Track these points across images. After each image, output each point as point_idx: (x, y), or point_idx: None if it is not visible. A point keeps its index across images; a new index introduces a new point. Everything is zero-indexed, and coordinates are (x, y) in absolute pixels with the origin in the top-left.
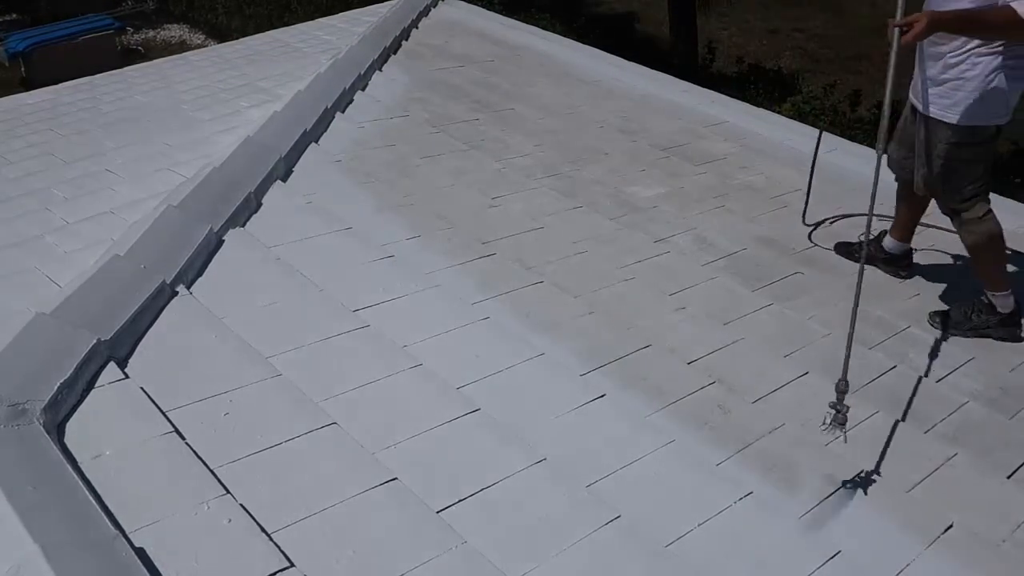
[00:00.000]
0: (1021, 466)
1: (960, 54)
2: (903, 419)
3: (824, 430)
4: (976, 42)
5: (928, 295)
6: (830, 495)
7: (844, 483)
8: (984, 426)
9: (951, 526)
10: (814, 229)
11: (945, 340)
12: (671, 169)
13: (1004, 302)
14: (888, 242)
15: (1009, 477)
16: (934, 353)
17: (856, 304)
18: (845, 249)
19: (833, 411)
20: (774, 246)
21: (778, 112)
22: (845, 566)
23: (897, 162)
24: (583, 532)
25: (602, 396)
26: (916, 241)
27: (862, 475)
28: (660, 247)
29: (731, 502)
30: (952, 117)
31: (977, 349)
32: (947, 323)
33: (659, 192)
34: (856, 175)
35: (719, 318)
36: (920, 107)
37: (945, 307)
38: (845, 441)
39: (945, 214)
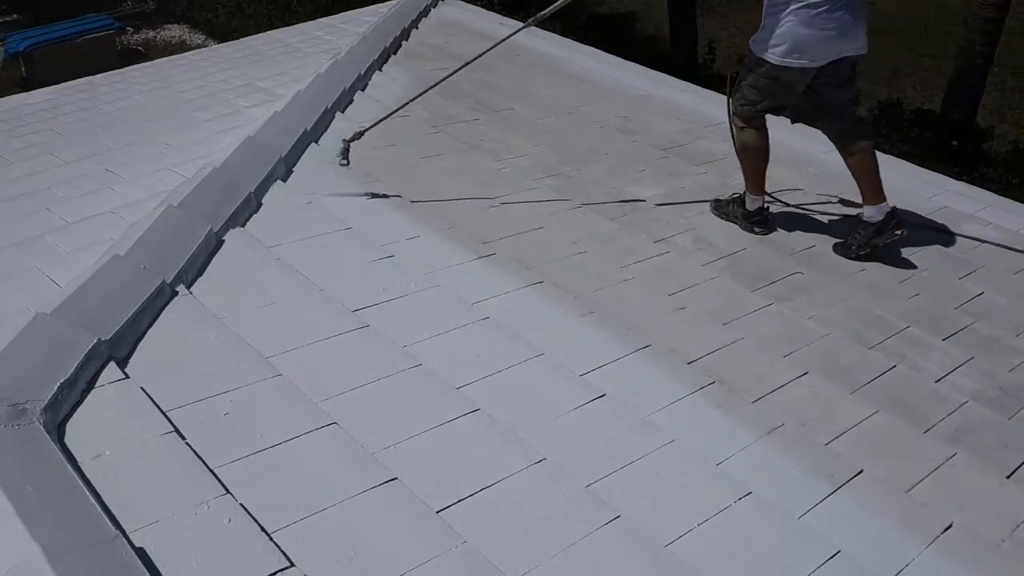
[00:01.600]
0: (1021, 466)
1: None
2: (903, 419)
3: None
4: None
5: (928, 295)
6: (830, 495)
7: (844, 483)
8: (984, 426)
9: (951, 526)
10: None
11: (945, 340)
12: (671, 169)
13: (751, 202)
14: (867, 211)
15: (1009, 477)
16: (934, 353)
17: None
18: (842, 249)
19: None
20: (774, 246)
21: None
22: (845, 566)
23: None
24: (583, 532)
25: (602, 396)
26: (916, 240)
27: (861, 475)
28: (660, 247)
29: (731, 502)
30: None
31: (977, 349)
32: (716, 206)
33: (659, 192)
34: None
35: (719, 318)
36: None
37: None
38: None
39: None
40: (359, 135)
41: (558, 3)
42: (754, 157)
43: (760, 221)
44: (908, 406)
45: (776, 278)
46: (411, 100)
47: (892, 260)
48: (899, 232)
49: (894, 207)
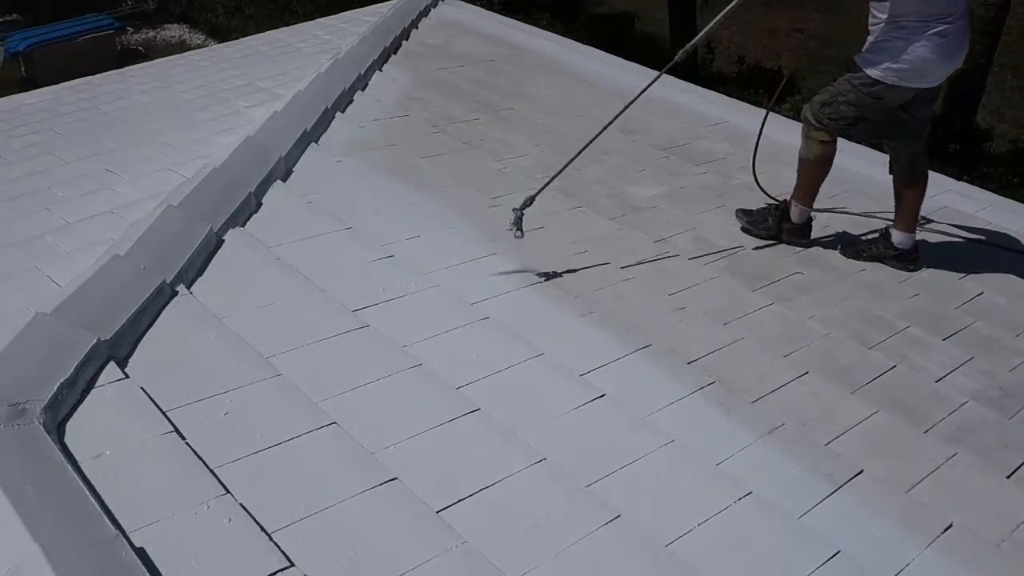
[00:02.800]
0: (1021, 466)
1: (876, 17)
2: (903, 419)
3: (508, 230)
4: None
5: (928, 295)
6: (830, 495)
7: (844, 483)
8: (984, 426)
9: (951, 526)
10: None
11: (945, 340)
12: (671, 169)
13: (799, 213)
14: (896, 236)
15: (1009, 477)
16: (934, 353)
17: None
18: (852, 251)
19: (514, 214)
20: (774, 246)
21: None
22: (845, 566)
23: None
24: (583, 532)
25: (602, 396)
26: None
27: (861, 475)
28: (660, 247)
29: (731, 502)
30: (862, 62)
31: (977, 349)
32: (749, 221)
33: (659, 192)
34: (854, 175)
35: (719, 318)
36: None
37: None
38: (520, 236)
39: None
40: (530, 200)
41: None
42: (823, 170)
43: (807, 233)
44: (908, 406)
45: (776, 278)
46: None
47: None
48: (913, 268)
49: (919, 241)
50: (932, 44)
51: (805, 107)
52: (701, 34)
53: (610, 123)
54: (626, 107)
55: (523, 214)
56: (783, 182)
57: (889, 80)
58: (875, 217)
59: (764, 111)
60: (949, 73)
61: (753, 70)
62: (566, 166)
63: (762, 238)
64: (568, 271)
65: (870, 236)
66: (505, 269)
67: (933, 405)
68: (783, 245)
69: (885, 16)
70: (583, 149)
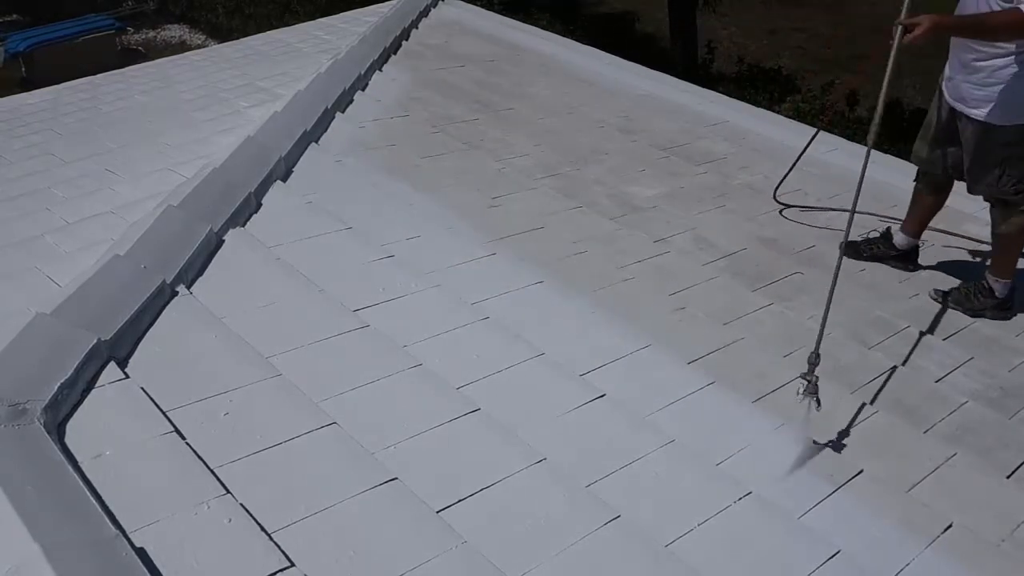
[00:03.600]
0: (1021, 466)
1: (1004, 59)
2: (903, 419)
3: (800, 400)
4: (1015, 48)
5: (928, 295)
6: (830, 495)
7: (844, 483)
8: (984, 426)
9: (951, 526)
10: (784, 208)
11: (945, 340)
12: (671, 169)
13: (1003, 288)
14: (899, 238)
15: (1009, 477)
16: (934, 353)
17: (832, 288)
18: (853, 250)
19: (805, 382)
20: (774, 246)
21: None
22: (845, 566)
23: (929, 160)
24: (583, 532)
25: (602, 396)
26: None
27: (861, 475)
28: (660, 247)
29: (731, 502)
30: (1006, 119)
31: (977, 349)
32: (949, 299)
33: (659, 192)
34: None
35: (719, 318)
36: (968, 111)
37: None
38: (819, 407)
39: (989, 201)
40: (817, 359)
41: None
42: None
43: (1012, 306)
44: (908, 406)
45: (776, 278)
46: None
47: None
48: (912, 268)
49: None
50: None
51: (984, 193)
52: (881, 96)
53: (781, 181)
54: (789, 170)
55: (817, 379)
56: (785, 181)
57: None
58: (876, 216)
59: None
60: None
61: (753, 70)
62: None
63: (970, 315)
64: (568, 271)
65: (871, 235)
66: (505, 269)
67: (933, 405)
68: (782, 245)
69: (1009, 59)
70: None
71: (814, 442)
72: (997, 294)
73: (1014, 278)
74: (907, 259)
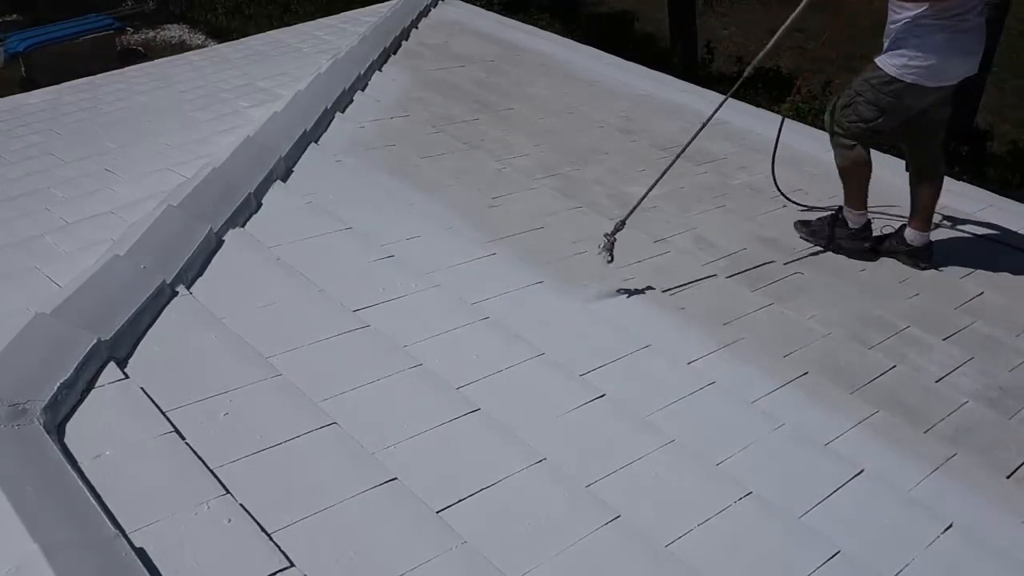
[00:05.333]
0: (1021, 466)
1: (903, 23)
2: (903, 419)
3: (597, 253)
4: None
5: (928, 295)
6: (829, 495)
7: (843, 483)
8: (984, 426)
9: (951, 526)
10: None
11: (945, 340)
12: (671, 169)
13: (857, 219)
14: (911, 234)
15: (1009, 477)
16: (934, 353)
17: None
18: (874, 243)
19: (605, 239)
20: (774, 246)
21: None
22: (845, 566)
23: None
24: (583, 532)
25: (602, 396)
26: None
27: (861, 475)
28: (660, 247)
29: (731, 502)
30: (883, 63)
31: (977, 349)
32: (809, 232)
33: (659, 192)
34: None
35: (719, 318)
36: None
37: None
38: (610, 261)
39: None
40: (621, 225)
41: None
42: (863, 173)
43: (868, 236)
44: (908, 406)
45: (776, 278)
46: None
47: (892, 260)
48: (924, 265)
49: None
50: (951, 42)
51: (826, 116)
52: (769, 45)
53: (683, 151)
54: (696, 133)
55: (615, 239)
56: (785, 181)
57: (907, 78)
58: (887, 215)
59: (766, 112)
60: (968, 73)
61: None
62: (651, 188)
63: (822, 247)
64: (568, 271)
65: (884, 231)
66: (505, 269)
67: (933, 405)
68: (783, 245)
69: (903, 15)
70: (661, 176)
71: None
72: (851, 224)
73: (866, 209)
74: (919, 255)
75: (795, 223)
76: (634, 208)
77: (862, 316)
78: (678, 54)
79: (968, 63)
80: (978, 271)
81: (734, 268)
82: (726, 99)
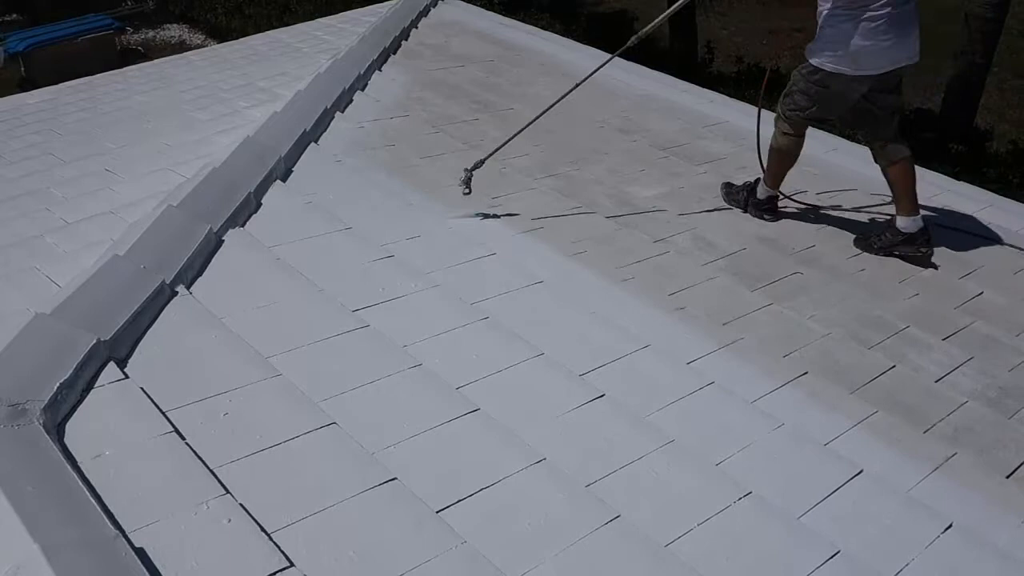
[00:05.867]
0: (1021, 466)
1: (826, 13)
2: (903, 419)
3: (458, 185)
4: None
5: (928, 295)
6: (829, 495)
7: (843, 483)
8: (984, 426)
9: (951, 526)
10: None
11: (945, 340)
12: (671, 169)
13: (763, 191)
14: (900, 222)
15: (1009, 477)
16: (934, 353)
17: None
18: (863, 243)
19: (465, 172)
20: (774, 246)
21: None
22: (845, 566)
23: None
24: (583, 532)
25: (602, 396)
26: None
27: (861, 475)
28: (660, 247)
29: (731, 502)
30: (810, 54)
31: (977, 349)
32: (727, 191)
33: (659, 192)
34: (856, 174)
35: (718, 318)
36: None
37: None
38: (467, 193)
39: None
40: (480, 163)
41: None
42: (785, 160)
43: (770, 210)
44: (908, 406)
45: (776, 278)
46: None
47: (892, 260)
48: (925, 250)
49: (925, 225)
50: (864, 31)
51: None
52: (659, 19)
53: (557, 102)
54: (575, 87)
55: (472, 175)
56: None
57: (827, 67)
58: (876, 213)
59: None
60: (896, 63)
61: (753, 70)
62: (517, 134)
63: (734, 206)
64: (568, 271)
65: (878, 228)
66: (505, 269)
67: (933, 405)
68: (782, 245)
69: (823, 7)
70: (531, 123)
71: None
72: (759, 195)
73: (777, 189)
74: (916, 241)
75: (721, 184)
76: (497, 150)
77: (862, 316)
78: (677, 54)
79: (890, 53)
80: (978, 271)
81: (734, 268)
82: (612, 58)
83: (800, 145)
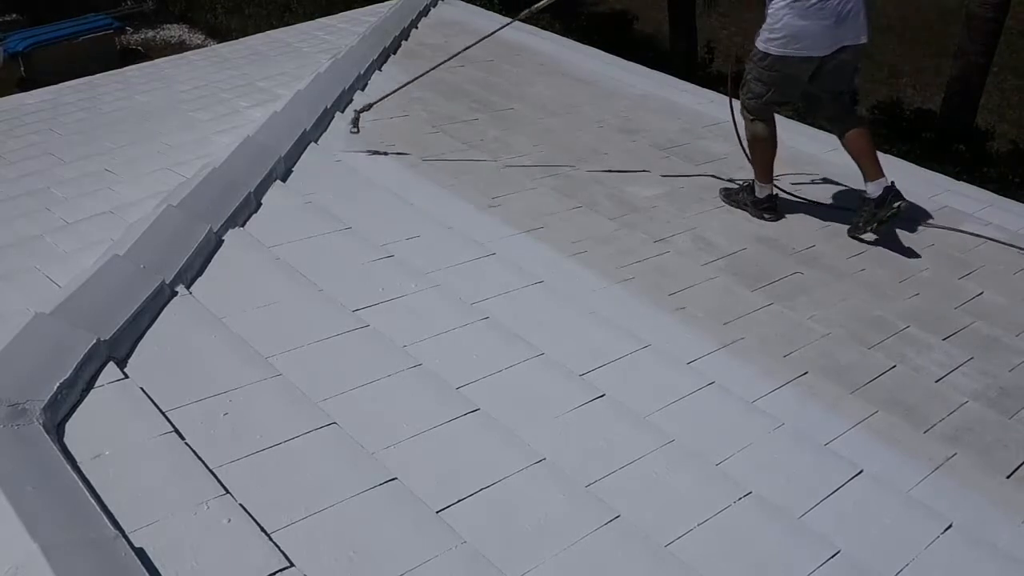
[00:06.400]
0: (1021, 466)
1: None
2: (903, 419)
3: (347, 126)
4: None
5: (928, 295)
6: (829, 495)
7: (843, 483)
8: (984, 426)
9: (951, 526)
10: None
11: (945, 340)
12: (671, 169)
13: (761, 190)
14: (870, 188)
15: (1009, 477)
16: (934, 353)
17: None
18: (852, 231)
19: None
20: (774, 246)
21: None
22: (845, 566)
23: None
24: (583, 532)
25: (602, 396)
26: (916, 240)
27: (861, 475)
28: (660, 247)
29: (731, 502)
30: (759, 42)
31: (977, 349)
32: (726, 195)
33: (659, 192)
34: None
35: (719, 318)
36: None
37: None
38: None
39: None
40: (368, 107)
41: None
42: (763, 147)
43: (770, 208)
44: (908, 406)
45: (776, 278)
46: (410, 81)
47: (892, 260)
48: (898, 204)
49: (892, 182)
50: (796, 10)
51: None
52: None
53: (448, 60)
54: (468, 47)
55: (360, 116)
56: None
57: (773, 51)
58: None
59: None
60: (838, 42)
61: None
62: (424, 75)
63: (736, 207)
64: (568, 271)
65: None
66: (505, 269)
67: (933, 405)
68: (782, 245)
69: None
70: (444, 61)
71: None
72: (756, 194)
73: (770, 182)
74: (889, 200)
75: (719, 190)
76: (389, 93)
77: (862, 316)
78: (677, 54)
79: (836, 33)
80: (978, 271)
81: (734, 268)
82: (513, 20)
83: (772, 130)
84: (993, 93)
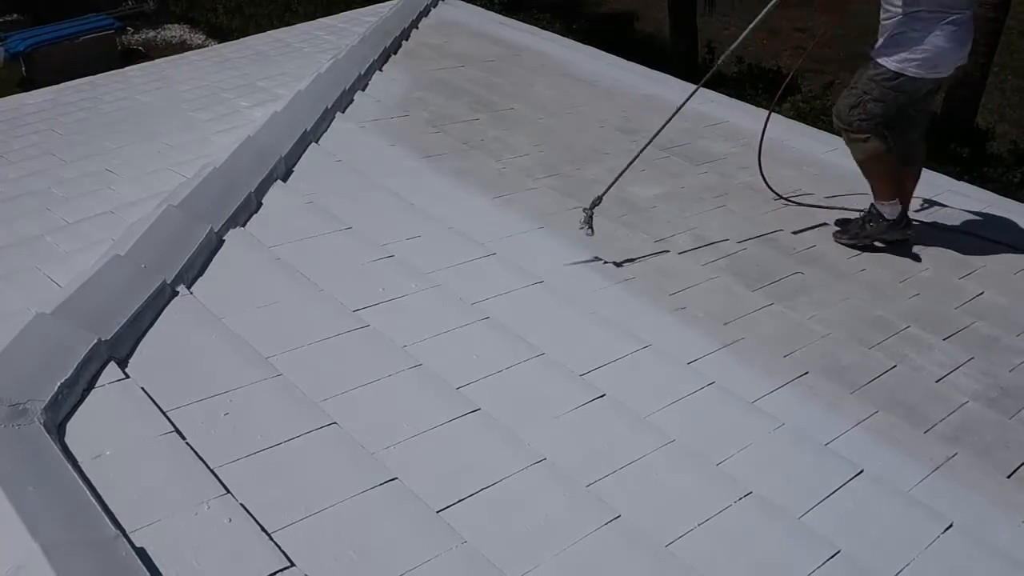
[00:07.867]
0: (1021, 466)
1: (895, 18)
2: (903, 419)
3: (580, 228)
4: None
5: (928, 295)
6: (829, 495)
7: (843, 483)
8: (984, 426)
9: (951, 526)
10: (778, 197)
11: (945, 340)
12: (671, 169)
13: (892, 211)
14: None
15: (1009, 477)
16: (934, 353)
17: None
18: (847, 236)
19: (583, 213)
20: (774, 246)
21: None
22: (845, 566)
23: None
24: (583, 532)
25: (602, 396)
26: (916, 240)
27: (861, 475)
28: (660, 247)
29: (731, 502)
30: (880, 55)
31: (977, 349)
32: (850, 235)
33: (659, 192)
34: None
35: (719, 318)
36: (870, 52)
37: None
38: (591, 234)
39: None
40: (599, 200)
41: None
42: (884, 162)
43: (908, 224)
44: (908, 406)
45: (776, 278)
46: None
47: (892, 260)
48: (911, 232)
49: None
50: (946, 34)
51: (834, 117)
52: (739, 40)
53: (655, 136)
54: (669, 119)
55: (593, 214)
56: (785, 181)
57: (910, 72)
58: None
59: (766, 111)
60: (959, 63)
61: (753, 70)
62: (623, 172)
63: (857, 247)
64: (568, 271)
65: (859, 218)
66: (505, 269)
67: (933, 405)
68: (782, 245)
69: (899, 9)
70: (632, 161)
71: None
72: (887, 216)
73: (896, 197)
74: (897, 226)
75: (833, 234)
76: (613, 183)
77: (862, 316)
78: (678, 54)
79: (960, 54)
80: (978, 271)
81: (734, 268)
82: (697, 88)
83: (888, 143)
84: (993, 93)
